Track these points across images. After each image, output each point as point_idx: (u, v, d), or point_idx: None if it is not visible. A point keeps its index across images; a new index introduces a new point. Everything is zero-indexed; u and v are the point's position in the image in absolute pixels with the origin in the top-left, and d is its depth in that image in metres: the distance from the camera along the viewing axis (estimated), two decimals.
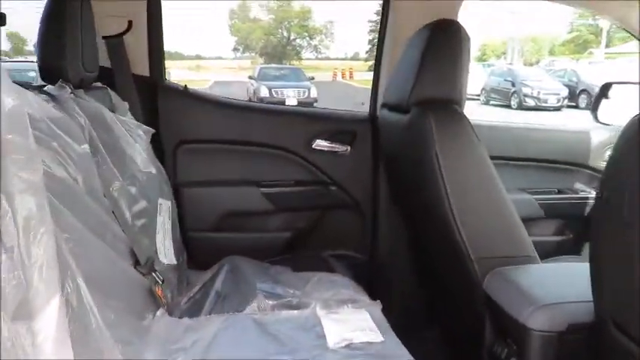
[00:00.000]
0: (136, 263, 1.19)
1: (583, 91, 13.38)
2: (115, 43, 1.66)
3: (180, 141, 1.82)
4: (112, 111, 1.50)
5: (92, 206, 1.04)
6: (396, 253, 1.93)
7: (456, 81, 1.36)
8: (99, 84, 1.53)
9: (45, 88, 1.21)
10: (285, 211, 1.90)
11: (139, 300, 1.16)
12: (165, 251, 1.42)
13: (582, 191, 2.11)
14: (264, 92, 11.85)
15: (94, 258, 0.98)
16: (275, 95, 11.75)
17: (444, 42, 1.36)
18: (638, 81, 2.08)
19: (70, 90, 1.23)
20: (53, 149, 0.95)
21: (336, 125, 1.90)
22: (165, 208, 1.46)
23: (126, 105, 1.59)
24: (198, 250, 1.86)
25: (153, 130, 1.52)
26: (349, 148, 1.90)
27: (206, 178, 1.85)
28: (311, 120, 1.90)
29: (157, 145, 1.77)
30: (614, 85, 2.07)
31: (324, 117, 1.94)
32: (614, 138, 0.93)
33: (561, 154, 2.15)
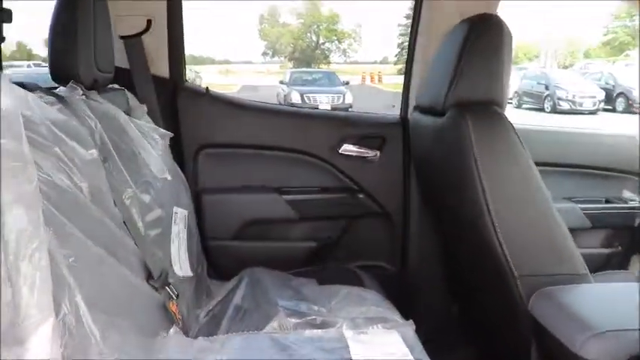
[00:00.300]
0: (149, 277, 1.10)
1: (620, 94, 12.96)
2: (134, 43, 1.59)
3: (201, 145, 1.74)
4: (129, 114, 1.43)
5: (99, 216, 0.95)
6: (428, 264, 1.81)
7: (497, 80, 1.25)
8: (115, 86, 1.46)
9: (57, 90, 1.14)
10: (310, 219, 1.81)
11: (150, 317, 1.07)
12: (181, 263, 1.33)
13: (631, 200, 1.95)
14: (295, 98, 11.45)
15: (98, 274, 0.89)
16: (307, 101, 11.43)
17: (483, 38, 1.25)
18: None
19: (81, 91, 1.16)
20: (55, 155, 0.87)
21: (365, 129, 1.79)
22: (181, 216, 1.38)
23: (144, 108, 1.52)
24: (218, 260, 1.77)
25: (170, 134, 1.44)
26: (378, 153, 1.79)
27: (227, 185, 1.76)
28: (338, 123, 1.80)
29: (176, 149, 1.71)
30: None
31: (352, 120, 1.84)
32: None
33: (608, 161, 1.99)
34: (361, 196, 1.81)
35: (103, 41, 1.24)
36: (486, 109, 1.22)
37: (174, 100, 1.70)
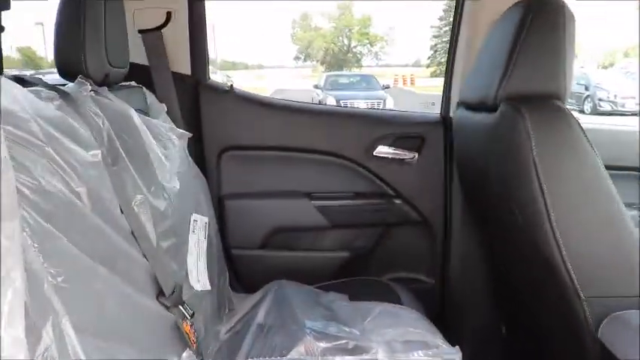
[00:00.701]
0: (160, 294, 0.98)
1: None
2: (153, 37, 1.48)
3: (225, 147, 1.62)
4: (147, 113, 1.32)
5: (99, 226, 0.83)
6: (472, 278, 1.65)
7: (557, 70, 1.08)
8: (133, 83, 1.36)
9: (65, 87, 1.04)
10: (342, 227, 1.66)
11: (159, 341, 0.95)
12: (199, 275, 1.21)
13: None
14: (331, 103, 10.26)
15: (94, 294, 0.77)
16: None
17: (541, 21, 1.08)
18: None
19: (90, 87, 1.05)
20: (47, 156, 0.75)
21: (402, 129, 1.64)
22: (200, 224, 1.26)
23: (163, 107, 1.41)
24: (242, 270, 1.65)
25: (189, 134, 1.32)
26: (417, 155, 1.63)
27: (252, 189, 1.64)
28: (372, 123, 1.65)
29: (198, 151, 1.59)
30: None
31: (388, 119, 1.69)
32: None
33: None
34: (398, 202, 1.65)
35: (115, 33, 1.13)
36: (546, 102, 1.06)
37: (196, 98, 1.59)
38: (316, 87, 12.41)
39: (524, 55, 1.09)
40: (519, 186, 1.06)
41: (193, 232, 1.22)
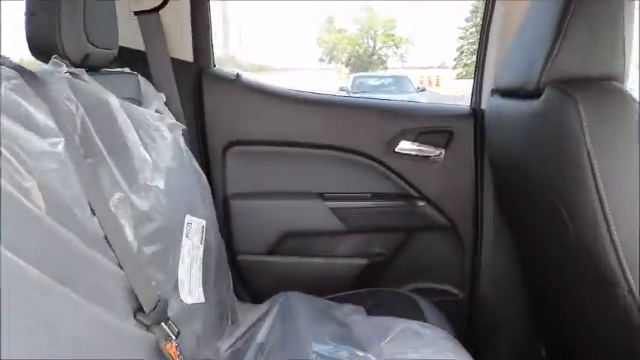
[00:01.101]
0: (138, 311, 0.83)
1: None
2: (149, 20, 1.34)
3: (231, 141, 1.46)
4: (140, 102, 1.18)
5: (55, 231, 0.68)
6: (506, 289, 1.46)
7: (616, 46, 0.90)
8: (126, 69, 1.22)
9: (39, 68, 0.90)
10: (359, 232, 1.50)
11: None
12: (192, 286, 1.05)
13: None
14: None
15: (44, 314, 0.62)
16: None
17: None
18: None
19: (66, 69, 0.90)
20: None
21: (427, 122, 1.47)
22: (196, 227, 1.10)
23: (161, 96, 1.27)
24: (249, 278, 1.50)
25: (181, 126, 1.17)
26: (443, 151, 1.46)
27: (261, 189, 1.48)
28: (393, 116, 1.48)
29: (201, 146, 1.45)
30: None
31: (411, 112, 1.51)
32: None
33: None
34: (422, 204, 1.48)
35: (97, 7, 0.99)
36: (602, 85, 0.88)
37: (198, 87, 1.44)
38: (342, 89, 11.85)
39: (575, 29, 0.91)
40: (569, 185, 0.88)
41: (187, 236, 1.06)
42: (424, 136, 1.46)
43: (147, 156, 0.99)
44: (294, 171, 1.48)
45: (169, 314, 0.90)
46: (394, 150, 1.45)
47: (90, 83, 0.94)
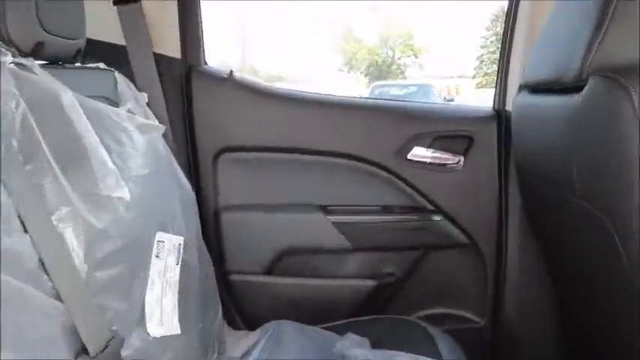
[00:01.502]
0: (82, 353, 0.67)
1: None
2: (131, 10, 1.20)
3: (223, 148, 1.31)
4: (116, 102, 1.04)
5: None
6: (534, 319, 1.28)
7: None
8: (101, 65, 1.08)
9: None
10: (367, 250, 1.32)
11: None
12: (163, 316, 0.90)
13: None
14: None
15: None
16: None
17: None
18: None
19: (11, 58, 0.76)
20: None
21: (444, 126, 1.30)
22: (170, 246, 0.95)
23: (141, 96, 1.12)
24: (243, 301, 1.34)
25: (159, 127, 1.02)
26: (462, 159, 1.29)
27: (256, 201, 1.32)
28: (406, 118, 1.31)
29: (189, 152, 1.30)
30: None
31: (426, 114, 1.34)
32: None
33: None
34: (437, 218, 1.30)
35: None
36: None
37: (187, 87, 1.29)
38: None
39: (623, 9, 0.74)
40: (619, 198, 0.70)
41: (157, 256, 0.91)
42: (441, 141, 1.29)
43: (109, 162, 0.84)
44: (294, 181, 1.32)
45: (128, 352, 0.74)
46: (406, 157, 1.28)
47: (41, 76, 0.79)
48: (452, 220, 1.29)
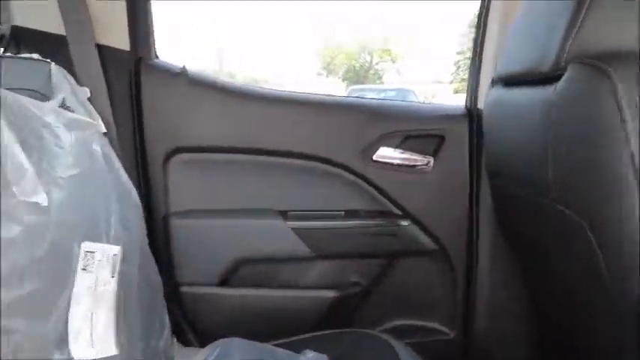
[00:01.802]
0: None
1: None
2: None
3: (175, 148, 1.20)
4: (47, 96, 0.93)
5: None
6: (507, 327, 1.20)
7: None
8: (35, 55, 0.97)
9: None
10: (330, 258, 1.23)
11: None
12: (94, 335, 0.79)
13: None
14: None
15: None
16: None
17: None
18: None
19: None
20: None
21: (412, 125, 1.22)
22: (102, 257, 0.84)
23: (81, 90, 1.02)
24: (197, 315, 1.23)
25: (95, 123, 0.92)
26: (432, 159, 1.21)
27: (211, 206, 1.22)
28: (372, 117, 1.23)
29: (138, 152, 1.19)
30: None
31: (393, 113, 1.26)
32: None
33: None
34: (405, 223, 1.22)
35: None
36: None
37: (137, 82, 1.19)
38: None
39: None
40: (600, 198, 0.63)
41: (84, 269, 0.80)
42: (409, 141, 1.21)
43: (26, 162, 0.73)
44: (252, 184, 1.22)
45: None
46: (372, 158, 1.20)
47: None
48: (420, 225, 1.21)
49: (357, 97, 1.26)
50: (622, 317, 0.68)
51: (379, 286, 1.26)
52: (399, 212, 1.22)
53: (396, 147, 1.20)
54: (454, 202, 1.21)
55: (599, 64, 0.62)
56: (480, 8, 1.23)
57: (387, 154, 1.20)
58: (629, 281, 0.60)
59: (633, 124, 0.57)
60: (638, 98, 0.59)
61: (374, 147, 1.19)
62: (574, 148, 0.67)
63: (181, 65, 1.23)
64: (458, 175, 1.20)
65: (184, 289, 1.21)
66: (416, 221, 1.21)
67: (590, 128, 0.62)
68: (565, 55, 0.68)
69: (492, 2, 1.19)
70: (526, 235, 0.97)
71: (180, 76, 1.20)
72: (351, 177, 1.21)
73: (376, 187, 1.21)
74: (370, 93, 11.63)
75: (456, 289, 1.23)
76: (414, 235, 1.22)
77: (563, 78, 0.68)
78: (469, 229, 1.21)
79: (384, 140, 1.20)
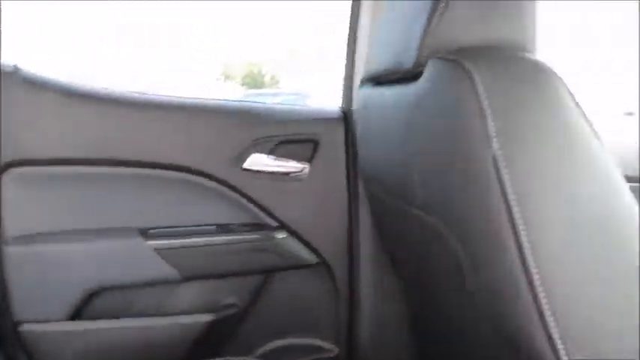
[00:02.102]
0: None
1: None
2: None
3: (9, 162, 1.02)
4: None
5: None
6: (392, 340, 1.15)
7: (519, 9, 0.62)
8: None
9: None
10: (200, 279, 1.11)
11: None
12: None
13: None
14: None
15: None
16: None
17: None
18: None
19: None
20: None
21: (286, 129, 1.13)
22: None
23: None
24: (41, 356, 1.05)
25: None
26: (308, 166, 1.12)
27: (56, 227, 1.05)
28: (242, 122, 1.12)
29: None
30: None
31: (265, 116, 1.16)
32: None
33: None
34: (282, 235, 1.12)
35: None
36: (507, 54, 0.58)
37: None
38: None
39: None
40: (463, 207, 0.57)
41: None
42: (283, 147, 1.11)
43: None
44: (105, 200, 1.07)
45: None
46: (242, 166, 1.09)
47: None
48: (298, 237, 1.12)
49: (225, 99, 1.13)
50: (492, 344, 0.63)
51: (257, 305, 1.15)
52: (275, 224, 1.12)
53: (270, 153, 1.10)
54: (333, 211, 1.13)
55: (459, 59, 0.56)
56: (352, 7, 1.17)
57: (258, 161, 1.10)
58: (497, 299, 0.55)
59: (494, 123, 0.51)
60: (499, 95, 0.54)
61: (245, 154, 1.09)
62: (435, 152, 0.60)
63: (13, 63, 1.04)
64: (335, 182, 1.13)
65: (26, 327, 1.03)
66: (293, 233, 1.12)
67: (450, 127, 0.56)
68: (425, 49, 0.61)
69: (362, 1, 1.13)
70: (400, 246, 0.91)
71: (13, 76, 1.02)
72: (220, 188, 1.09)
73: (249, 198, 1.10)
74: (268, 97, 11.54)
75: (338, 304, 1.16)
76: (291, 248, 1.13)
77: (423, 75, 0.62)
78: (349, 239, 1.14)
79: (256, 146, 1.09)
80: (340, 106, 1.20)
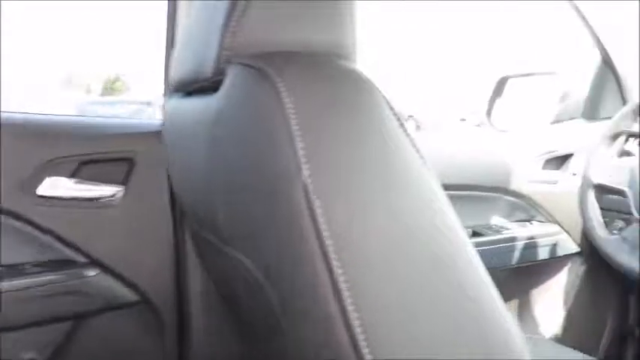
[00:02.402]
0: None
1: None
2: None
3: None
4: None
5: None
6: None
7: (334, 13, 0.54)
8: None
9: None
10: None
11: None
12: None
13: (505, 229, 1.42)
14: None
15: None
16: None
17: None
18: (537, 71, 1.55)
19: None
20: None
21: (93, 146, 0.95)
22: None
23: None
24: None
25: None
26: (123, 189, 0.96)
27: None
28: (35, 140, 0.93)
29: None
30: (510, 80, 1.54)
31: (66, 132, 0.97)
32: None
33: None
34: (93, 273, 0.95)
35: None
36: (319, 60, 0.50)
37: None
38: None
39: None
40: (270, 227, 0.47)
41: None
42: (89, 167, 0.94)
43: None
44: None
45: None
46: (36, 192, 0.90)
47: None
48: (113, 274, 0.96)
49: (14, 112, 0.92)
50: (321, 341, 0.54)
51: (65, 357, 0.96)
52: (84, 260, 0.94)
53: (72, 175, 0.93)
54: (154, 240, 0.98)
55: (261, 65, 0.46)
56: (168, 7, 1.03)
57: (57, 185, 0.91)
58: (305, 298, 0.45)
59: (303, 144, 0.42)
60: (310, 110, 0.45)
61: (38, 178, 0.90)
62: (239, 179, 0.50)
63: None
64: (155, 206, 0.98)
65: None
66: (107, 269, 0.95)
67: (251, 152, 0.47)
68: (224, 55, 0.51)
69: (179, 2, 1.01)
70: (220, 282, 0.80)
71: None
72: (10, 220, 0.89)
73: (46, 231, 0.91)
74: (109, 107, 10.92)
75: (164, 346, 1.01)
76: (106, 287, 0.95)
77: (223, 85, 0.51)
78: (176, 271, 1.00)
79: (53, 168, 0.91)
80: (162, 118, 1.06)
